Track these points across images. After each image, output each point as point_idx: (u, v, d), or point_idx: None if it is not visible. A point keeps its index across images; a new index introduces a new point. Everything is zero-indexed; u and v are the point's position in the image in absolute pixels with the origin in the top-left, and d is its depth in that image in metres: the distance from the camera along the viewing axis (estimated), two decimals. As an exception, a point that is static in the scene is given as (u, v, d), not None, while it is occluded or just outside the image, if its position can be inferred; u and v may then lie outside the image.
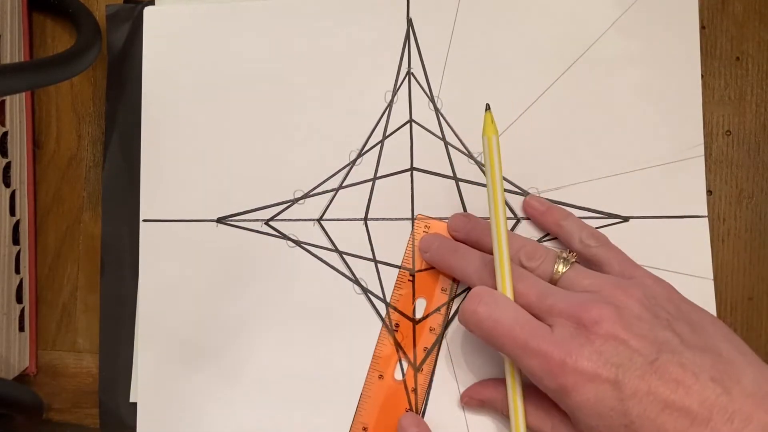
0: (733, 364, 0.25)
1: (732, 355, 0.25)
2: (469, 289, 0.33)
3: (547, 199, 0.33)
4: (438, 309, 0.33)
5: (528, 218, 0.33)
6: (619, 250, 0.30)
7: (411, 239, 0.34)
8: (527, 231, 0.33)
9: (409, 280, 0.33)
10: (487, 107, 0.29)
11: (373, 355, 0.33)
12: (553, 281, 0.29)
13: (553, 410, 0.28)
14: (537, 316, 0.27)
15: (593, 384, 0.25)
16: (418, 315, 0.33)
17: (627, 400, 0.24)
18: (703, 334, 0.26)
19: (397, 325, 0.33)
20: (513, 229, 0.33)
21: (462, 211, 0.34)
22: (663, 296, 0.27)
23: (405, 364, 0.33)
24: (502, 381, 0.30)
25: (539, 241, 0.33)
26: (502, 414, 0.31)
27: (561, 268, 0.28)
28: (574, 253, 0.29)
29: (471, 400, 0.32)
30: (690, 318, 0.26)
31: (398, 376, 0.33)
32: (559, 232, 0.32)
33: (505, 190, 0.33)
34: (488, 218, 0.33)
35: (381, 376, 0.33)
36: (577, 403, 0.25)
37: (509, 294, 0.28)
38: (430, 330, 0.33)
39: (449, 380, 0.33)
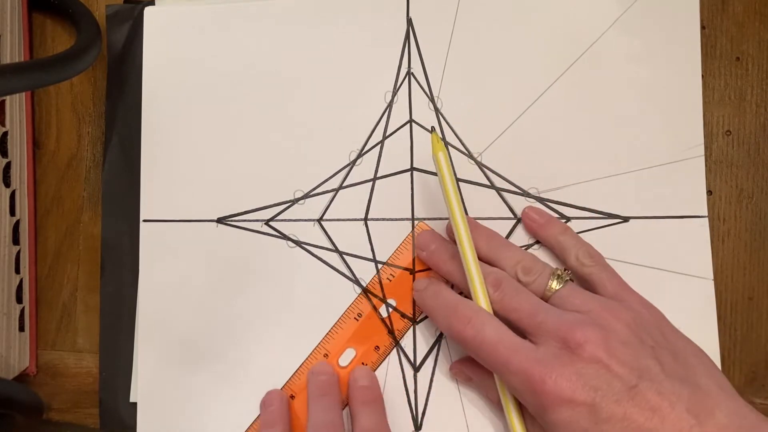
0: (710, 396, 0.25)
1: (711, 387, 0.25)
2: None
3: (547, 199, 0.33)
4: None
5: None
6: (614, 272, 0.30)
7: (412, 241, 0.34)
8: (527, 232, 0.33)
9: (388, 279, 0.33)
10: (432, 129, 0.30)
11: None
12: (545, 297, 0.29)
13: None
14: (526, 331, 0.28)
15: (569, 405, 0.25)
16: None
17: (601, 424, 0.25)
18: (685, 364, 0.26)
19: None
20: (512, 230, 0.33)
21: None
22: (652, 323, 0.28)
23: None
24: None
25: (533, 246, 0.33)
26: (488, 398, 0.31)
27: (555, 285, 0.29)
28: (569, 271, 0.30)
29: (460, 373, 0.32)
30: (675, 347, 0.27)
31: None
32: (555, 246, 0.32)
33: (505, 190, 0.34)
34: (483, 220, 0.33)
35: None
36: (553, 421, 0.25)
37: (485, 305, 0.29)
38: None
39: (449, 380, 0.33)
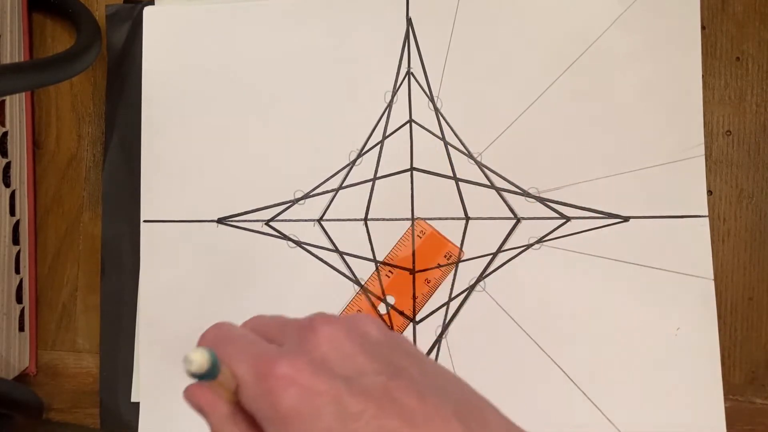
0: (479, 408, 0.21)
1: (478, 400, 0.21)
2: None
3: (547, 199, 0.33)
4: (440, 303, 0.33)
5: (529, 219, 0.33)
6: None
7: (412, 238, 0.34)
8: (527, 231, 0.33)
9: (387, 276, 0.33)
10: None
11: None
12: None
13: None
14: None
15: (312, 393, 0.19)
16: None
17: (350, 422, 0.19)
18: (446, 378, 0.22)
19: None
20: (513, 229, 0.33)
21: (462, 211, 0.34)
22: (403, 340, 0.23)
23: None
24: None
25: (541, 239, 0.33)
26: None
27: None
28: None
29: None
30: (432, 364, 0.22)
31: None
32: None
33: (505, 190, 0.33)
34: (484, 219, 0.33)
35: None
36: (286, 411, 0.20)
37: None
38: (426, 282, 0.33)
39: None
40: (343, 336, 0.21)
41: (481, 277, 0.33)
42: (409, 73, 0.35)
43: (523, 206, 0.33)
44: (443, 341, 0.33)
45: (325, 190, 0.35)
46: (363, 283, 0.34)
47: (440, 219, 0.34)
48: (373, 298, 0.33)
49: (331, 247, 0.34)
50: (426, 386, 0.20)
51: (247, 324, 0.25)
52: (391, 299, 0.33)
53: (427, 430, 0.19)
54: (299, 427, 0.20)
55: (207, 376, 0.20)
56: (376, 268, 0.34)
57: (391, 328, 0.33)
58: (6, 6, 0.35)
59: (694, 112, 0.33)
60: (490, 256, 0.33)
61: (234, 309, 0.34)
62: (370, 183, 0.34)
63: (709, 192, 0.33)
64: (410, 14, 0.35)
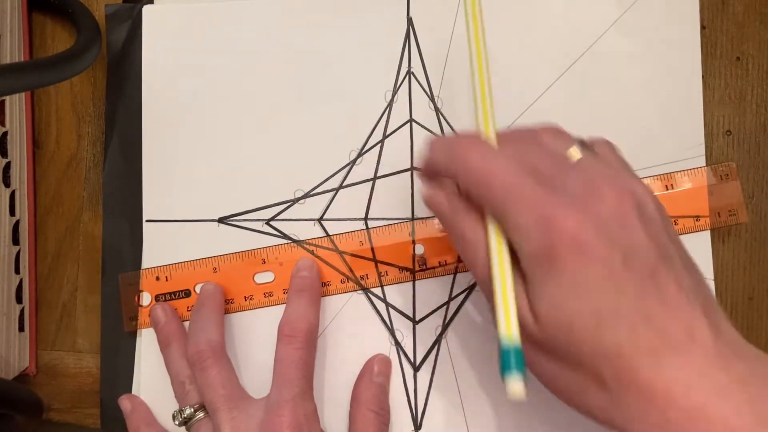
0: (719, 310, 0.22)
1: (716, 303, 0.23)
2: (469, 289, 0.33)
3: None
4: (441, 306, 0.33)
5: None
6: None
7: (412, 236, 0.34)
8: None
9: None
10: None
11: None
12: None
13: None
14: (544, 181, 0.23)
15: (590, 257, 0.21)
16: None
17: (614, 293, 0.20)
18: (698, 273, 0.23)
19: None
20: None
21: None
22: (670, 222, 0.24)
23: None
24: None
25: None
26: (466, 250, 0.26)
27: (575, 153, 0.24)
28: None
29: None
30: (689, 255, 0.24)
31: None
32: None
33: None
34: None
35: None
36: (560, 264, 0.21)
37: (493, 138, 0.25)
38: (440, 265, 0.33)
39: (449, 380, 0.33)
40: (627, 207, 0.22)
41: (482, 276, 0.33)
42: (409, 73, 0.35)
43: (524, 206, 0.33)
44: (443, 341, 0.33)
45: (325, 189, 0.35)
46: (363, 283, 0.34)
47: (440, 219, 0.34)
48: (373, 298, 0.34)
49: (331, 246, 0.34)
50: (684, 277, 0.21)
51: (512, 140, 0.25)
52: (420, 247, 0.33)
53: (678, 317, 0.20)
54: (567, 280, 0.21)
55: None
56: (376, 266, 0.34)
57: (392, 330, 0.33)
58: (6, 6, 0.35)
59: (694, 112, 0.33)
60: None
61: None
62: (371, 182, 0.34)
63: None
64: (411, 14, 0.35)
